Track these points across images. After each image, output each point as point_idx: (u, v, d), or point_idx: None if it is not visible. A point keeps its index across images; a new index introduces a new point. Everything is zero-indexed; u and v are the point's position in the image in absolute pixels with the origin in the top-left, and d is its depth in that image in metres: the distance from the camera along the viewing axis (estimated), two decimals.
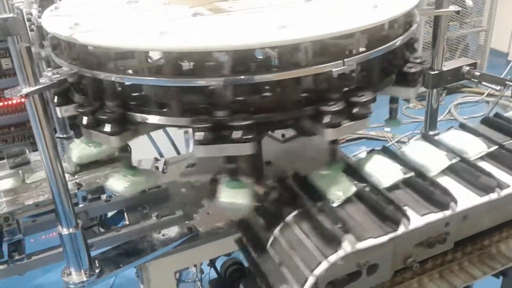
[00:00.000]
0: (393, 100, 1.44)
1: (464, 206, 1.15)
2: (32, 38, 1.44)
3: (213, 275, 1.86)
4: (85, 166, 1.55)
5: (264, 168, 1.64)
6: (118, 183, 1.33)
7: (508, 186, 1.19)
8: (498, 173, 1.24)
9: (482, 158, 1.30)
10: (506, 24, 6.18)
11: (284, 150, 1.83)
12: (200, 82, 1.11)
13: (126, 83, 1.19)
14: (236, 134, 1.07)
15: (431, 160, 1.26)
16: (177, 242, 1.41)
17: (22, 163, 1.57)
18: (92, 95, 1.22)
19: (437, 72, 1.70)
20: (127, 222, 1.55)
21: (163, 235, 1.43)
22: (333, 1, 1.38)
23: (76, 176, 1.51)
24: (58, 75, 1.18)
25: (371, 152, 1.34)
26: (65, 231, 1.24)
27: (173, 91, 1.15)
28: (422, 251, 1.18)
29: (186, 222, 1.48)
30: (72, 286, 1.28)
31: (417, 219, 1.11)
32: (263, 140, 1.43)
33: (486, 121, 1.48)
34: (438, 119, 1.93)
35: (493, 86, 1.73)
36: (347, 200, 1.15)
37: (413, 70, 1.30)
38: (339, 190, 1.16)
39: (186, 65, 1.23)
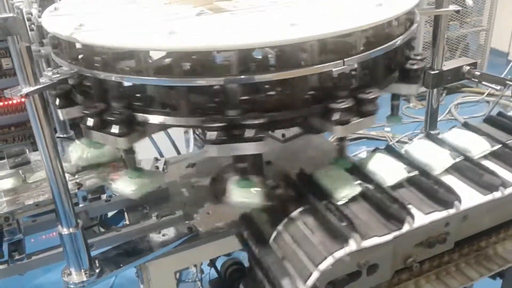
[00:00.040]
0: (395, 97, 1.45)
1: (468, 205, 1.15)
2: (32, 37, 1.44)
3: (213, 275, 1.86)
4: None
5: (264, 168, 1.64)
6: (125, 186, 1.31)
7: None
8: (502, 171, 1.24)
9: (485, 157, 1.31)
10: (506, 23, 6.17)
11: (284, 150, 1.83)
12: (200, 82, 1.11)
13: (134, 83, 1.19)
14: (249, 133, 1.07)
15: (435, 159, 1.27)
16: (177, 242, 1.41)
17: (22, 163, 1.56)
18: (98, 96, 1.21)
19: (437, 71, 1.70)
20: (127, 222, 1.55)
21: (163, 235, 1.43)
22: (332, 1, 1.38)
23: (76, 176, 1.51)
24: (58, 75, 1.18)
25: (375, 151, 1.34)
26: (65, 231, 1.24)
27: (183, 91, 1.14)
28: (422, 251, 1.18)
29: (186, 222, 1.48)
30: (72, 286, 1.28)
31: (421, 217, 1.11)
32: None
33: (489, 120, 1.49)
34: (438, 119, 1.93)
35: (493, 85, 1.73)
36: (352, 199, 1.16)
37: (415, 66, 1.32)
38: (344, 189, 1.17)
39: (195, 64, 1.22)
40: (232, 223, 1.47)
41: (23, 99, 1.09)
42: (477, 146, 1.32)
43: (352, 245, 1.04)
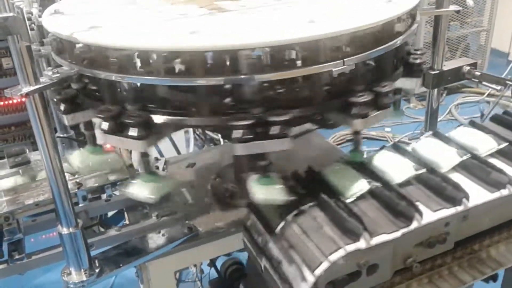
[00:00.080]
0: (397, 91, 1.46)
1: (476, 202, 1.16)
2: (32, 37, 1.45)
3: (213, 275, 1.86)
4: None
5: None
6: (140, 190, 1.28)
7: None
8: (509, 169, 1.25)
9: (492, 155, 1.32)
10: (507, 24, 6.17)
11: (284, 150, 1.83)
12: (200, 82, 1.11)
13: (150, 84, 1.17)
14: (275, 130, 1.07)
15: (442, 156, 1.28)
16: (177, 242, 1.41)
17: (22, 163, 1.56)
18: (109, 99, 1.20)
19: (437, 72, 1.70)
20: (127, 222, 1.55)
21: (163, 235, 1.43)
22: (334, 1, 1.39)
23: (76, 176, 1.51)
24: (59, 75, 1.18)
25: (382, 148, 1.35)
26: (65, 231, 1.24)
27: (205, 91, 1.14)
28: (422, 251, 1.18)
29: (186, 222, 1.47)
30: (72, 286, 1.28)
31: (429, 214, 1.12)
32: None
33: (495, 119, 1.50)
34: (439, 119, 1.93)
35: (493, 86, 1.73)
36: (360, 196, 1.17)
37: (418, 61, 1.36)
38: (353, 186, 1.17)
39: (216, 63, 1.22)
40: (232, 223, 1.47)
41: (23, 99, 1.09)
42: (484, 144, 1.33)
43: (362, 241, 1.04)
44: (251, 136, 1.08)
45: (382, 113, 1.17)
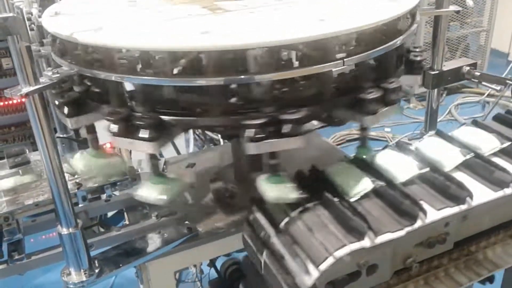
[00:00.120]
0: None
1: (479, 201, 1.16)
2: (32, 37, 1.45)
3: (213, 275, 1.86)
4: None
5: (264, 168, 1.64)
6: (149, 192, 1.27)
7: None
8: None
9: (495, 154, 1.32)
10: (507, 24, 6.18)
11: (283, 150, 1.83)
12: (200, 82, 1.11)
13: (160, 85, 1.16)
14: (287, 128, 1.08)
15: (446, 156, 1.28)
16: (176, 242, 1.41)
17: (22, 163, 1.56)
18: (117, 101, 1.19)
19: (437, 72, 1.70)
20: (127, 222, 1.55)
21: (162, 235, 1.43)
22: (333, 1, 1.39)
23: (76, 176, 1.51)
24: (58, 75, 1.18)
25: (385, 148, 1.36)
26: (64, 231, 1.24)
27: (216, 91, 1.13)
28: (422, 251, 1.18)
29: (186, 222, 1.47)
30: (71, 286, 1.28)
31: (433, 213, 1.12)
32: None
33: (498, 118, 1.50)
34: (438, 119, 1.93)
35: (493, 86, 1.73)
36: (364, 195, 1.17)
37: (419, 58, 1.39)
38: (357, 186, 1.18)
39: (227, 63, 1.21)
40: (232, 223, 1.47)
41: (23, 99, 1.09)
42: (487, 143, 1.33)
43: (367, 240, 1.04)
44: (263, 135, 1.08)
45: (390, 109, 1.19)
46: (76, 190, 1.45)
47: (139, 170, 1.51)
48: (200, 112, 1.17)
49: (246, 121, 1.08)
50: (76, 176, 1.49)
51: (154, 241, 1.41)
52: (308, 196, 1.17)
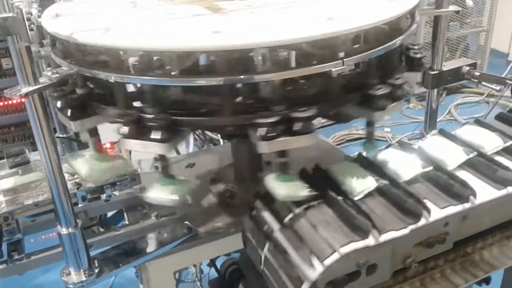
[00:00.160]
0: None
1: (482, 199, 1.17)
2: (32, 37, 1.44)
3: (213, 275, 1.86)
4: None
5: (264, 168, 1.64)
6: (159, 194, 1.26)
7: None
8: None
9: (498, 152, 1.32)
10: (507, 24, 6.18)
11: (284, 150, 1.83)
12: (200, 82, 1.11)
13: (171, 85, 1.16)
14: (299, 126, 1.08)
15: (449, 154, 1.28)
16: (176, 242, 1.41)
17: (21, 163, 1.57)
18: (124, 103, 1.18)
19: (437, 72, 1.71)
20: (126, 222, 1.55)
21: (162, 235, 1.43)
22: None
23: (75, 176, 1.51)
24: (58, 75, 1.18)
25: (389, 147, 1.37)
26: (64, 231, 1.24)
27: (225, 90, 1.13)
28: (421, 251, 1.18)
29: (186, 222, 1.47)
30: (71, 286, 1.28)
31: (437, 211, 1.12)
32: None
33: (501, 117, 1.50)
34: (438, 119, 1.93)
35: (493, 86, 1.73)
36: (368, 194, 1.17)
37: (419, 55, 1.39)
38: (360, 184, 1.18)
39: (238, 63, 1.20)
40: (231, 223, 1.47)
41: (22, 99, 1.09)
42: (490, 142, 1.33)
43: (371, 238, 1.05)
44: (275, 134, 1.08)
45: (397, 105, 1.22)
46: (76, 190, 1.45)
47: (139, 170, 1.51)
48: (210, 112, 1.16)
49: (259, 119, 1.08)
50: (75, 176, 1.49)
51: (153, 241, 1.41)
52: (315, 194, 1.18)
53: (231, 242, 1.44)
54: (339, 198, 1.15)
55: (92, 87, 1.26)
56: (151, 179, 1.59)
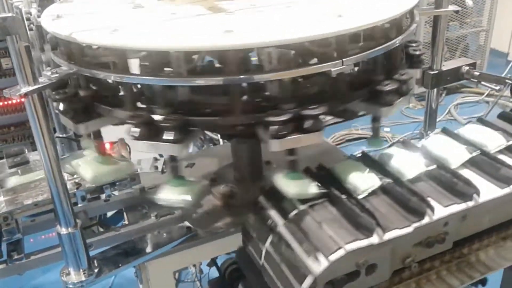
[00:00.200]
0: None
1: (486, 198, 1.17)
2: (31, 37, 1.44)
3: (212, 275, 1.86)
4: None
5: (263, 168, 1.64)
6: (169, 195, 1.25)
7: None
8: None
9: (501, 151, 1.33)
10: (506, 24, 6.17)
11: (283, 150, 1.83)
12: (199, 82, 1.11)
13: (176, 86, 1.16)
14: (309, 124, 1.08)
15: (452, 153, 1.29)
16: (176, 241, 1.41)
17: (21, 163, 1.56)
18: (132, 104, 1.18)
19: (436, 72, 1.71)
20: (126, 222, 1.55)
21: (162, 234, 1.43)
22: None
23: (75, 176, 1.51)
24: (57, 75, 1.17)
25: (392, 145, 1.38)
26: (64, 231, 1.24)
27: (235, 90, 1.13)
28: (421, 251, 1.18)
29: (185, 222, 1.47)
30: (71, 286, 1.28)
31: (441, 210, 1.13)
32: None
33: (503, 116, 1.51)
34: (438, 119, 1.93)
35: (492, 85, 1.74)
36: (372, 192, 1.17)
37: (418, 52, 1.41)
38: (364, 183, 1.18)
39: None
40: (231, 223, 1.47)
41: (22, 99, 1.09)
42: (493, 141, 1.34)
43: (375, 237, 1.05)
44: (286, 132, 1.08)
45: (404, 100, 1.23)
46: (75, 190, 1.45)
47: (139, 170, 1.51)
48: (222, 111, 1.16)
49: (270, 117, 1.08)
50: (75, 176, 1.49)
51: (153, 241, 1.41)
52: (324, 191, 1.18)
53: (231, 242, 1.44)
54: (343, 196, 1.15)
55: (96, 89, 1.25)
56: (151, 179, 1.60)
